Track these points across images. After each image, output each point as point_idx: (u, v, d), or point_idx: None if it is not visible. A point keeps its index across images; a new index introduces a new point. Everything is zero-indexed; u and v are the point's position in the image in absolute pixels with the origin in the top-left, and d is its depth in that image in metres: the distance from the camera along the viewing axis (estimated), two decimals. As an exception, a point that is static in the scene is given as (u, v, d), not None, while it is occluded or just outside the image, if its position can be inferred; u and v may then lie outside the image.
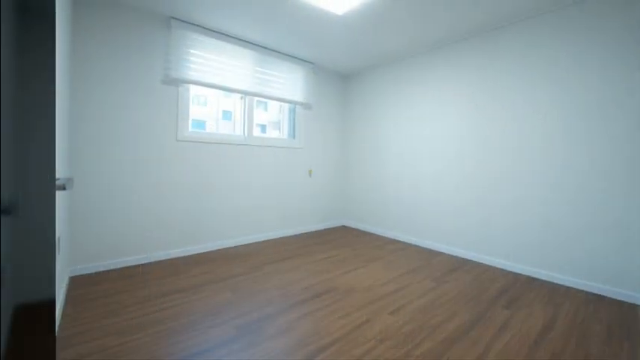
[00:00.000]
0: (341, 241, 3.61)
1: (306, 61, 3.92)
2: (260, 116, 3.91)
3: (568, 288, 2.32)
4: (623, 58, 2.12)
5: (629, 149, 2.09)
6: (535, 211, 2.51)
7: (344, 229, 4.25)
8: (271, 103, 3.84)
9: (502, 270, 2.69)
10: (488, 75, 2.83)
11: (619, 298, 2.12)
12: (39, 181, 0.75)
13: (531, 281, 2.44)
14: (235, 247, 3.35)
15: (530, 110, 2.55)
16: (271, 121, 4.01)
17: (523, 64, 2.60)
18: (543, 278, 2.48)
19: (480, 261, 2.90)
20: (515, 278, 2.51)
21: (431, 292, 2.24)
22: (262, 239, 3.65)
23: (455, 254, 3.10)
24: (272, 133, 3.98)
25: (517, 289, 2.30)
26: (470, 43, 2.97)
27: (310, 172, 4.11)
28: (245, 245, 3.42)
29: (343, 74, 4.47)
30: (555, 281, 2.42)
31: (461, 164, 3.04)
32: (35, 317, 0.75)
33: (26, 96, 0.71)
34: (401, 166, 3.66)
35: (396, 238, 3.70)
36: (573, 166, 2.32)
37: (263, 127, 3.93)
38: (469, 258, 2.99)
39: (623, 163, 2.11)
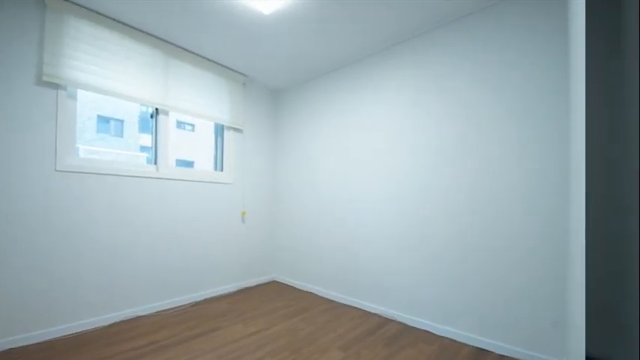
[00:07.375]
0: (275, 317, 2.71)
1: (235, 71, 3.41)
2: (178, 141, 3.08)
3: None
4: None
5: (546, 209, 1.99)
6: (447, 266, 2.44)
7: (276, 285, 3.71)
8: (196, 127, 3.07)
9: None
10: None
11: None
12: None
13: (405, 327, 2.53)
14: (123, 321, 2.48)
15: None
16: (193, 149, 3.22)
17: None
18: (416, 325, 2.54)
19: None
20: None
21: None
22: (168, 307, 2.81)
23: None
24: (200, 163, 3.14)
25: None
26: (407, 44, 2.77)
27: (244, 214, 3.50)
28: (142, 318, 2.56)
29: (274, 90, 4.00)
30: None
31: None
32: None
33: None
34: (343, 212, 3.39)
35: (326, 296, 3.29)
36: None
37: (187, 162, 3.08)
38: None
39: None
